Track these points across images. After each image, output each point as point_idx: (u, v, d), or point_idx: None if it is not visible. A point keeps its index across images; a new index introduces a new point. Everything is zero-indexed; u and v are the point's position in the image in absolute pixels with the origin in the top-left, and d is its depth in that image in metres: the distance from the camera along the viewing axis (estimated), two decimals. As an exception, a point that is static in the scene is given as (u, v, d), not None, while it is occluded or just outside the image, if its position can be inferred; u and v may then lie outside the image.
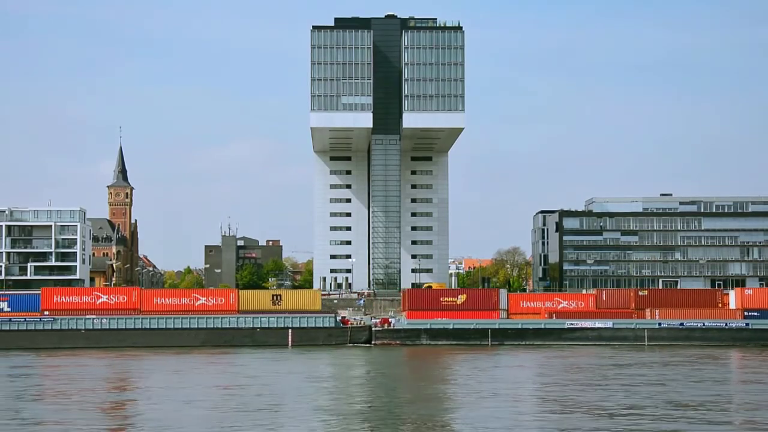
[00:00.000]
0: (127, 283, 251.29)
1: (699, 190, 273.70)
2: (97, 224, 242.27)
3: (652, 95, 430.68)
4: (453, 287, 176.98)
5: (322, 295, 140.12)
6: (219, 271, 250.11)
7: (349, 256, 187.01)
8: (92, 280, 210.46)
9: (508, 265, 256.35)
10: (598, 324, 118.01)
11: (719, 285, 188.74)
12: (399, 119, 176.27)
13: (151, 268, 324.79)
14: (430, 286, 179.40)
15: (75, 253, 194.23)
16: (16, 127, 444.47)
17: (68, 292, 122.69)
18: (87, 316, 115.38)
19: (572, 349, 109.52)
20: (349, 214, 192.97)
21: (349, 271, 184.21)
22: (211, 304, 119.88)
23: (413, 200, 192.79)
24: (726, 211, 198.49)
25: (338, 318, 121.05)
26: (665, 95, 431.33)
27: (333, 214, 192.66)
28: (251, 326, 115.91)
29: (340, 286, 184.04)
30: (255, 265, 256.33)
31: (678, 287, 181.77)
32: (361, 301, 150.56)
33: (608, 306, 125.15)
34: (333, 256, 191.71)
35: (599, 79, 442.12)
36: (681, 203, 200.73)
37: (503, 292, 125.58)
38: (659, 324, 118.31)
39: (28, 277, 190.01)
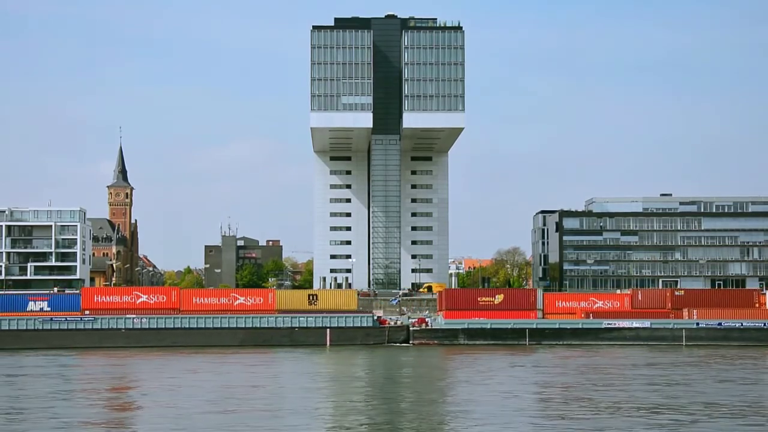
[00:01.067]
0: (127, 283, 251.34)
1: (699, 190, 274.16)
2: (97, 224, 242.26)
3: (652, 95, 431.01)
4: (453, 287, 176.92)
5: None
6: (219, 271, 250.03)
7: (349, 256, 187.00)
8: (92, 280, 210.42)
9: (508, 265, 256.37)
10: (636, 324, 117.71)
11: (719, 285, 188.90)
12: (399, 119, 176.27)
13: (151, 268, 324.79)
14: (430, 287, 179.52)
15: (75, 253, 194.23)
16: (16, 127, 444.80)
17: (108, 292, 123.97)
18: (127, 316, 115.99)
19: (612, 349, 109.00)
20: (349, 214, 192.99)
21: (349, 271, 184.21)
22: (250, 304, 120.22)
23: (413, 200, 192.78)
24: (726, 211, 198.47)
25: (374, 318, 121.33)
26: (665, 95, 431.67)
27: (333, 214, 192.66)
28: (289, 326, 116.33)
29: (339, 286, 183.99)
30: (255, 265, 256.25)
31: (678, 287, 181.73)
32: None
33: (644, 306, 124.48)
34: (333, 256, 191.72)
35: (599, 79, 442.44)
36: (681, 203, 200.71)
37: (539, 292, 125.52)
38: (697, 324, 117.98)
39: (28, 277, 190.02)
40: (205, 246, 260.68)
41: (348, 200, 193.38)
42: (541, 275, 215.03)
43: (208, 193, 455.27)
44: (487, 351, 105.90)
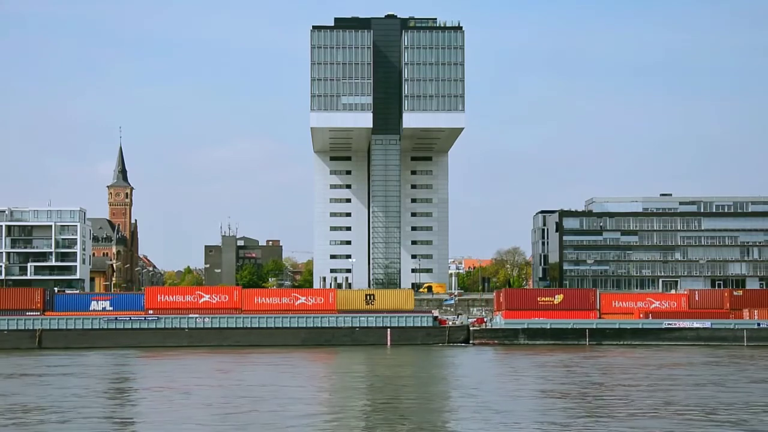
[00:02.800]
0: (127, 283, 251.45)
1: (699, 190, 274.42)
2: (97, 224, 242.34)
3: (652, 95, 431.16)
4: (453, 287, 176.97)
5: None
6: (219, 271, 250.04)
7: (349, 256, 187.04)
8: (92, 280, 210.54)
9: (508, 265, 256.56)
10: (696, 324, 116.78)
11: (719, 285, 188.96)
12: (399, 119, 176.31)
13: (151, 268, 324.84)
14: (430, 287, 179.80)
15: (75, 253, 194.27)
16: (16, 127, 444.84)
17: (171, 292, 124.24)
18: (189, 315, 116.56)
19: (679, 349, 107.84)
20: (349, 214, 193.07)
21: (349, 271, 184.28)
22: (311, 304, 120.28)
23: (413, 200, 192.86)
24: (726, 211, 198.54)
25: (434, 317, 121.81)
26: (665, 95, 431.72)
27: (333, 214, 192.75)
28: (350, 325, 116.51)
29: (339, 286, 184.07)
30: (255, 265, 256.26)
31: (678, 287, 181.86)
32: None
33: (701, 306, 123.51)
34: (333, 256, 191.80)
35: (599, 79, 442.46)
36: (681, 203, 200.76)
37: (597, 292, 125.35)
38: (758, 324, 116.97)
39: (28, 277, 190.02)
40: (205, 246, 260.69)
41: (348, 200, 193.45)
42: (541, 275, 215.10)
43: (208, 193, 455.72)
44: (551, 351, 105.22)
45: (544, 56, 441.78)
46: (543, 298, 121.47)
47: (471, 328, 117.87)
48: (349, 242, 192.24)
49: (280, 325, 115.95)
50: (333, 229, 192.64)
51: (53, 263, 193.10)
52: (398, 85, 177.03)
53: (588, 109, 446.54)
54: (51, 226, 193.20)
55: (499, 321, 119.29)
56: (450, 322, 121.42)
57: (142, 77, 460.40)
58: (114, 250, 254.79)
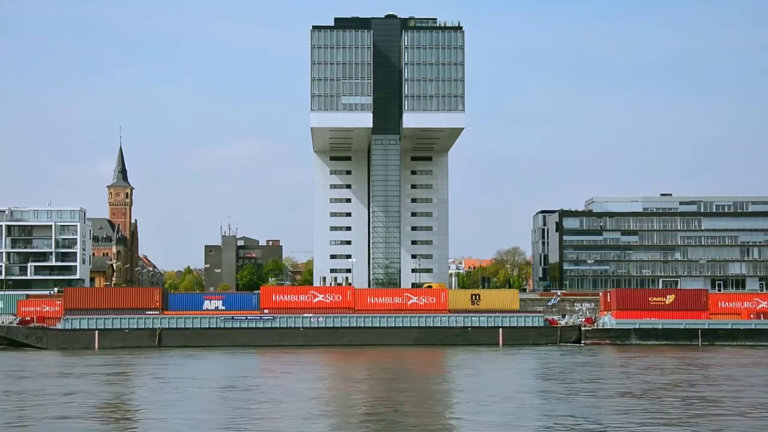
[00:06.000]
0: (127, 283, 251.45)
1: (699, 190, 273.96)
2: (97, 224, 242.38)
3: (652, 95, 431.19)
4: (453, 287, 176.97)
5: None
6: (219, 271, 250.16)
7: (349, 256, 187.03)
8: (92, 280, 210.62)
9: (508, 265, 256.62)
10: None
11: (719, 285, 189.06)
12: (399, 119, 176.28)
13: (151, 268, 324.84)
14: (430, 287, 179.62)
15: (75, 253, 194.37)
16: (16, 128, 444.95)
17: (286, 291, 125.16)
18: (304, 315, 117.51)
19: None
20: (349, 214, 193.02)
21: (349, 271, 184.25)
22: (423, 304, 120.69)
23: (413, 200, 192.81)
24: (726, 211, 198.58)
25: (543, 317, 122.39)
26: (665, 95, 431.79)
27: (333, 214, 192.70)
28: (461, 325, 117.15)
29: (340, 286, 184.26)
30: (255, 265, 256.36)
31: (678, 287, 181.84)
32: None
33: None
34: (333, 256, 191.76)
35: (599, 79, 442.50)
36: (681, 203, 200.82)
37: (707, 292, 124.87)
38: None
39: (28, 277, 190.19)
40: (205, 246, 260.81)
41: (348, 200, 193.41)
42: (541, 275, 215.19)
43: (208, 193, 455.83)
44: (662, 351, 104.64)
45: (544, 56, 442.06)
46: (654, 298, 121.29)
47: (582, 328, 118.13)
48: (349, 242, 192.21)
49: (393, 325, 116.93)
50: (333, 229, 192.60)
51: (53, 263, 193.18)
52: (398, 85, 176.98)
53: (588, 109, 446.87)
54: (51, 226, 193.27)
55: (609, 321, 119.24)
56: (560, 322, 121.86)
57: (142, 77, 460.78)
58: (114, 250, 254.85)
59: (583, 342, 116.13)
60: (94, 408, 59.42)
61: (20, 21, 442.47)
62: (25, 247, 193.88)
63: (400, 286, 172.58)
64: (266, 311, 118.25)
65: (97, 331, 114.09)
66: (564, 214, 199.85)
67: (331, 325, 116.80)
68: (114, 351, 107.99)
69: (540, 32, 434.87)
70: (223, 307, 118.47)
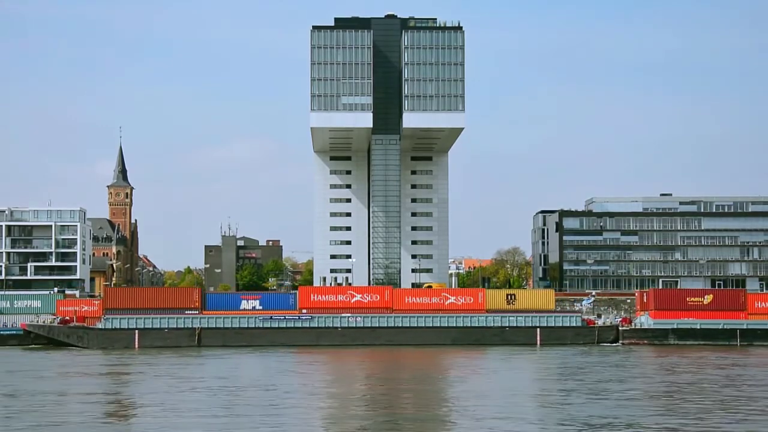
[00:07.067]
0: (127, 283, 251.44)
1: (699, 190, 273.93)
2: (97, 224, 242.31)
3: (652, 95, 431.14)
4: (453, 287, 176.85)
5: None
6: (219, 271, 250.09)
7: (349, 256, 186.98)
8: (92, 280, 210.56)
9: (508, 265, 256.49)
10: None
11: (719, 285, 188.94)
12: (399, 119, 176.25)
13: (151, 268, 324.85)
14: (430, 286, 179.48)
15: (75, 253, 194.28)
16: (16, 128, 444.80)
17: (324, 291, 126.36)
18: (342, 315, 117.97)
19: None
20: (349, 214, 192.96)
21: (349, 271, 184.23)
22: (460, 303, 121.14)
23: (413, 200, 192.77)
24: (726, 211, 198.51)
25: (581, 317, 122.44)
26: (665, 95, 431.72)
27: (333, 214, 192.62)
28: (499, 325, 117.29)
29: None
30: (255, 265, 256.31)
31: (678, 287, 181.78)
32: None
33: None
34: (333, 256, 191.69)
35: (599, 79, 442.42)
36: (681, 203, 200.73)
37: (745, 292, 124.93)
38: None
39: (28, 277, 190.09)
40: (205, 246, 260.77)
41: (348, 200, 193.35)
42: (541, 275, 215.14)
43: (208, 193, 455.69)
44: (703, 351, 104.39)
45: (544, 56, 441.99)
46: (692, 299, 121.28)
47: (620, 329, 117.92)
48: (349, 242, 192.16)
49: (431, 325, 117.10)
50: (333, 229, 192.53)
51: (53, 263, 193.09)
52: (398, 85, 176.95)
53: (588, 109, 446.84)
54: (51, 226, 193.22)
55: (647, 321, 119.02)
56: (598, 322, 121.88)
57: (142, 77, 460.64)
58: (114, 250, 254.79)
59: (620, 342, 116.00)
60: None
61: (20, 21, 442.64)
62: (25, 247, 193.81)
63: (400, 287, 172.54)
64: (304, 311, 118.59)
65: (137, 331, 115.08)
66: (564, 214, 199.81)
67: (369, 325, 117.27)
68: (155, 350, 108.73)
69: (540, 32, 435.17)
70: (260, 307, 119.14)
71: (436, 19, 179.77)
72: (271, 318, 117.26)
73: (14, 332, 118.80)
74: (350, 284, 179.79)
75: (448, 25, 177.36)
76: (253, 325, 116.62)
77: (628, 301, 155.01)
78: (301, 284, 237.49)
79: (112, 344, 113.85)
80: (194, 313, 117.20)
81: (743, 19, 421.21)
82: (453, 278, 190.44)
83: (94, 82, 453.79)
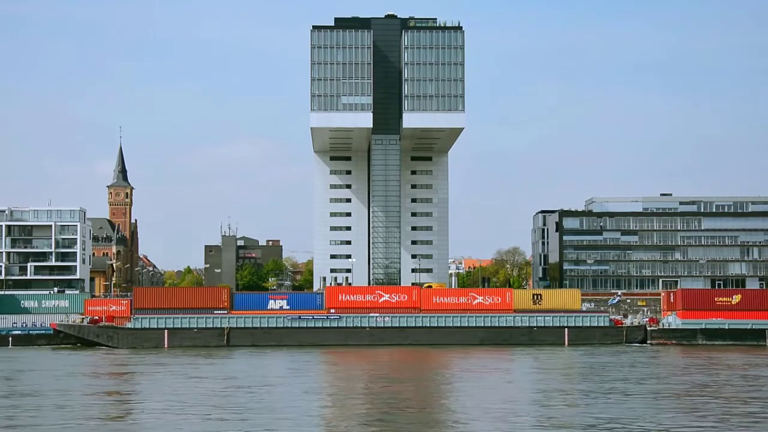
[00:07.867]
0: (127, 283, 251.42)
1: (699, 190, 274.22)
2: (97, 224, 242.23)
3: (652, 95, 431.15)
4: (453, 287, 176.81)
5: None
6: (219, 271, 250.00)
7: (349, 256, 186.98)
8: (92, 280, 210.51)
9: (508, 265, 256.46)
10: None
11: (719, 285, 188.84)
12: (399, 119, 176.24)
13: (151, 268, 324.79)
14: (430, 286, 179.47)
15: (75, 253, 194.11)
16: (16, 127, 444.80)
17: (351, 291, 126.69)
18: (370, 315, 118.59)
19: None
20: (349, 214, 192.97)
21: (349, 271, 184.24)
22: (488, 303, 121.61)
23: (413, 200, 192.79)
24: (726, 211, 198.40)
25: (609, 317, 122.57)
26: (665, 95, 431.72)
27: (333, 214, 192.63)
28: (527, 325, 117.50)
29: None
30: (255, 265, 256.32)
31: (678, 287, 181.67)
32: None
33: None
34: (333, 256, 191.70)
35: (599, 79, 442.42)
36: (681, 203, 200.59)
37: None
38: None
39: (28, 277, 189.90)
40: (205, 246, 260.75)
41: (348, 200, 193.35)
42: (541, 275, 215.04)
43: (208, 193, 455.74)
44: (734, 352, 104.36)
45: (544, 56, 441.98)
46: (720, 299, 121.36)
47: (648, 328, 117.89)
48: (349, 242, 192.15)
49: (459, 324, 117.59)
50: (333, 229, 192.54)
51: (53, 263, 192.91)
52: (398, 85, 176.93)
53: (588, 109, 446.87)
54: (51, 226, 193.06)
55: (675, 321, 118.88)
56: (626, 322, 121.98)
57: (142, 77, 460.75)
58: (114, 250, 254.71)
59: (649, 342, 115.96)
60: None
61: (20, 21, 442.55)
62: (25, 247, 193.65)
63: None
64: (332, 311, 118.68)
65: (166, 330, 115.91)
66: (564, 214, 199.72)
67: (397, 325, 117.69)
68: (185, 350, 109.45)
69: (540, 32, 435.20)
70: (288, 307, 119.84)
71: (436, 19, 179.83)
72: (299, 318, 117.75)
73: (44, 332, 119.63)
74: (350, 284, 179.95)
75: (448, 25, 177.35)
76: (282, 325, 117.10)
77: (629, 301, 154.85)
78: (301, 285, 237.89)
79: (142, 344, 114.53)
80: (223, 313, 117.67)
81: (744, 19, 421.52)
82: (453, 278, 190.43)
83: (94, 82, 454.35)
